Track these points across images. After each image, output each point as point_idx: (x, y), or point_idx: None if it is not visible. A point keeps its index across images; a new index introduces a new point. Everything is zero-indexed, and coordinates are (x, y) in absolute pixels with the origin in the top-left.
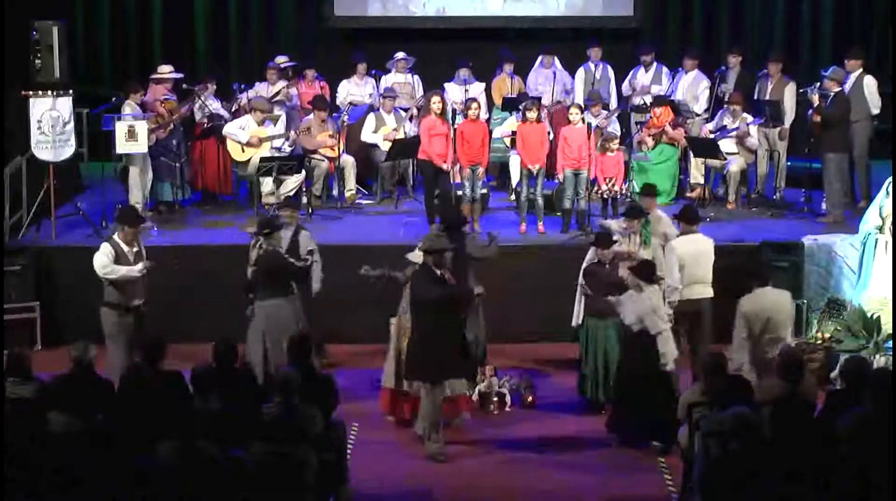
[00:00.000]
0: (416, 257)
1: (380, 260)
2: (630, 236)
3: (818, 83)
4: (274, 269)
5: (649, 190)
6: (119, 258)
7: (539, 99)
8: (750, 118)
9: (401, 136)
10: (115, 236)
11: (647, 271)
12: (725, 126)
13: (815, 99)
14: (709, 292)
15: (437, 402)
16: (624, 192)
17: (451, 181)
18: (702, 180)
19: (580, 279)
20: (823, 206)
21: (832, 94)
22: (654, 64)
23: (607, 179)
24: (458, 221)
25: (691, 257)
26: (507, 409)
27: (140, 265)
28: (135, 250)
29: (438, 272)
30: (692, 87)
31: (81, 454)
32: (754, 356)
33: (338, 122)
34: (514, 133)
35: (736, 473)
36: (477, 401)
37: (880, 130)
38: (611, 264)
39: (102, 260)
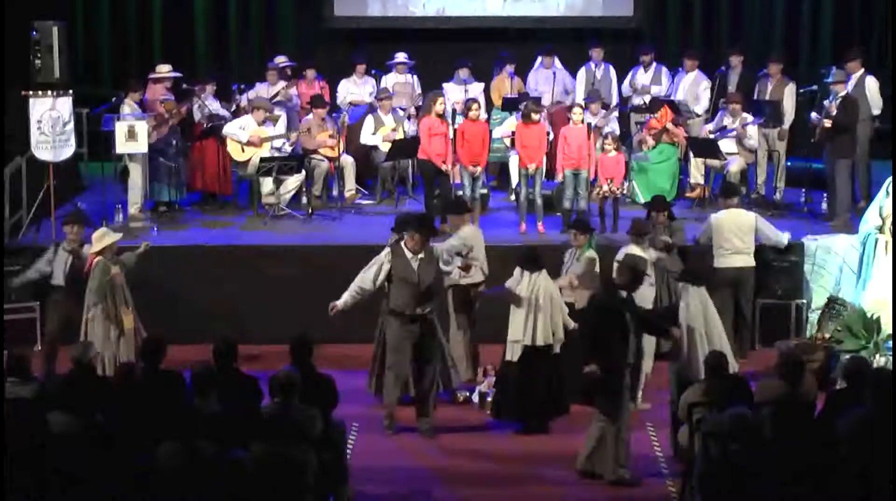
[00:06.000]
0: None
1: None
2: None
3: (835, 93)
4: None
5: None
6: (398, 267)
7: (539, 99)
8: (750, 118)
9: (400, 136)
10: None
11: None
12: (725, 126)
13: (833, 108)
14: (751, 261)
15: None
16: (623, 192)
17: (452, 181)
18: (702, 180)
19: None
20: (823, 206)
21: (840, 97)
22: (654, 64)
23: (608, 180)
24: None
25: (733, 229)
26: None
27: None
28: (420, 256)
29: (623, 296)
30: (692, 87)
31: (81, 454)
32: None
33: (337, 122)
34: (513, 133)
35: (736, 473)
36: (476, 402)
37: (880, 130)
38: None
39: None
